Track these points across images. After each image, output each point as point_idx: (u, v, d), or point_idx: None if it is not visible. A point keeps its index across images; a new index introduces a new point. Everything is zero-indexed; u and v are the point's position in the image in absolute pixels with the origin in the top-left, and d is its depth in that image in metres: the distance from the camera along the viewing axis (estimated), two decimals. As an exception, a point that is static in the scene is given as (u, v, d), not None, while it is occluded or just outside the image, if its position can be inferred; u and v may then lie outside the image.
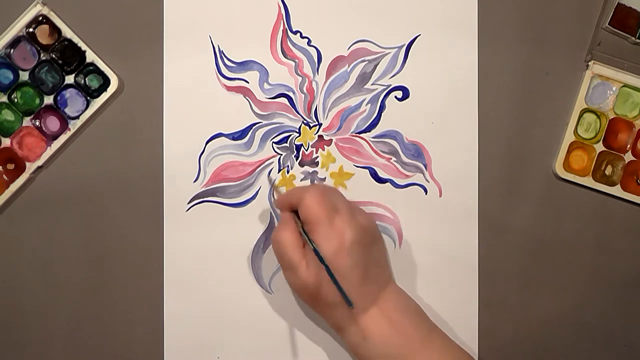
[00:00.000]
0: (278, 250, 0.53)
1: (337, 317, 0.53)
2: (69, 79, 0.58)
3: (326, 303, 0.52)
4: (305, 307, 0.58)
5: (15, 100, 0.57)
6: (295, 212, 0.54)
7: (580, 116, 0.59)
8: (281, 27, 0.59)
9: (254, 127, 0.59)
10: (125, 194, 0.58)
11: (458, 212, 0.59)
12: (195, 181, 0.58)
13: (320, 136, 0.59)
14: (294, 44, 0.59)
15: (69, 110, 0.58)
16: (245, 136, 0.59)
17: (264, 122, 0.59)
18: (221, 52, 0.58)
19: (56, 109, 0.58)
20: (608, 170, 0.59)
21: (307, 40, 0.59)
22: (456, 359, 0.53)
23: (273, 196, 0.58)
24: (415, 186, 0.59)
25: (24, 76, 0.57)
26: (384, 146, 0.59)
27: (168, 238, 0.58)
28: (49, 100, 0.58)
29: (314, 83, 0.59)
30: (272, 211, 0.59)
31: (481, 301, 0.59)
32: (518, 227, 0.59)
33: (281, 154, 0.59)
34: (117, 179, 0.58)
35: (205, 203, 0.58)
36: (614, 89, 0.59)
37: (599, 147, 0.59)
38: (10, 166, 0.58)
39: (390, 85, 0.59)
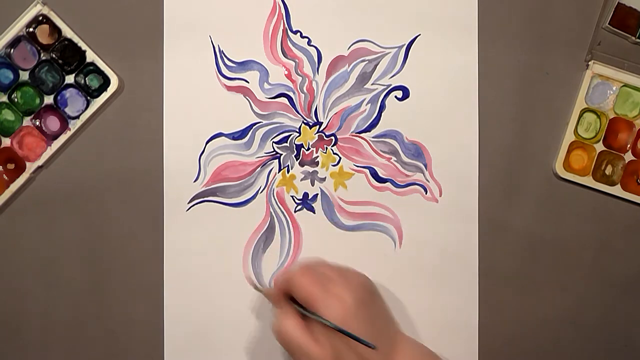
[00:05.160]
0: (285, 340, 0.52)
1: None
2: (69, 79, 0.58)
3: None
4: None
5: (16, 100, 0.57)
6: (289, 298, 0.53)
7: (581, 116, 0.59)
8: (281, 27, 0.59)
9: (254, 127, 0.59)
10: (125, 194, 0.58)
11: (458, 211, 0.59)
12: (195, 181, 0.58)
13: (320, 136, 0.59)
14: (294, 44, 0.59)
15: (69, 110, 0.58)
16: (246, 136, 0.59)
17: (264, 122, 0.59)
18: (221, 52, 0.58)
19: (56, 109, 0.58)
20: (608, 170, 0.59)
21: (307, 40, 0.59)
22: None
23: (263, 293, 0.57)
24: (415, 186, 0.59)
25: (24, 76, 0.57)
26: (384, 146, 0.59)
27: (168, 237, 0.58)
28: (49, 100, 0.58)
29: (314, 83, 0.59)
30: (272, 211, 0.59)
31: (481, 301, 0.59)
32: (518, 227, 0.59)
33: (281, 154, 0.59)
34: (117, 179, 0.58)
35: (206, 203, 0.58)
36: (614, 88, 0.59)
37: (599, 147, 0.59)
38: (10, 166, 0.58)
39: (390, 85, 0.59)
